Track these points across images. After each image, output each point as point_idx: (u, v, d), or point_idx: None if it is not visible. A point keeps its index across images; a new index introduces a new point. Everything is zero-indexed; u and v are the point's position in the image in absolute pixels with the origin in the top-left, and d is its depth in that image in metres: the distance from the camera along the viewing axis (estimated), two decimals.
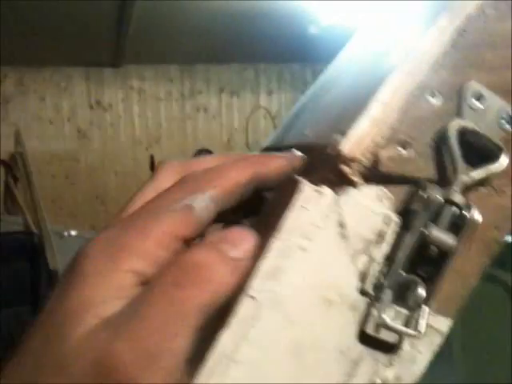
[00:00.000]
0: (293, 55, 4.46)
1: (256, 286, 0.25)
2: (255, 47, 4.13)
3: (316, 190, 0.26)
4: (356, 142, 0.26)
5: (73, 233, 4.21)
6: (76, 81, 4.37)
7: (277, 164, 0.29)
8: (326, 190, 0.26)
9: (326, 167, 0.27)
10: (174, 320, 0.22)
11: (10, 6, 2.75)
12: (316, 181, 0.26)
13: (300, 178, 0.26)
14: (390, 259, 0.26)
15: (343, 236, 0.26)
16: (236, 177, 0.27)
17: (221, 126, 4.74)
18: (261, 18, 3.42)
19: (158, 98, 4.58)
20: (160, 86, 4.57)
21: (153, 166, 4.60)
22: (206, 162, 0.31)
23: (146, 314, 0.23)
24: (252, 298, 0.25)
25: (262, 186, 0.29)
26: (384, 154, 0.26)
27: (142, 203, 0.28)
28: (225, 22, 3.47)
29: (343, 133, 0.26)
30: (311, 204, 0.26)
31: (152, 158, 4.60)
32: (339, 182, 0.26)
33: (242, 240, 0.26)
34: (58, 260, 3.49)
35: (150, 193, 0.29)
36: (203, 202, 0.26)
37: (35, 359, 0.23)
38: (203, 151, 4.68)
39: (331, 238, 0.26)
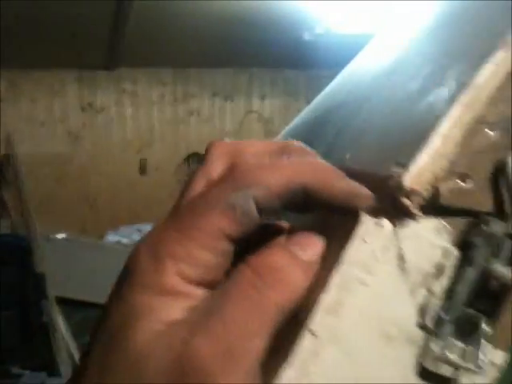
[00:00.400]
0: (286, 61, 4.47)
1: (317, 320, 0.25)
2: (249, 52, 4.14)
3: (376, 223, 0.26)
4: (417, 175, 0.25)
5: (61, 236, 4.18)
6: (68, 83, 4.35)
7: (341, 190, 0.26)
8: (386, 223, 0.26)
9: (383, 198, 0.27)
10: (254, 320, 0.22)
11: (3, 7, 2.72)
12: (374, 212, 0.26)
13: (360, 211, 0.26)
14: (449, 293, 0.26)
15: (402, 269, 0.26)
16: (288, 181, 0.25)
17: (213, 130, 4.74)
18: (256, 23, 3.43)
19: (151, 101, 4.56)
20: (153, 90, 4.56)
21: (143, 170, 4.58)
22: (257, 146, 0.29)
23: (224, 313, 0.22)
24: (312, 333, 0.25)
25: (306, 199, 0.26)
26: (444, 187, 0.26)
27: (192, 193, 0.27)
28: (219, 26, 3.47)
29: (404, 165, 0.26)
30: (372, 237, 0.25)
31: (142, 161, 4.59)
32: (398, 214, 0.26)
33: (311, 243, 0.26)
34: (45, 263, 3.46)
35: (200, 181, 0.28)
36: (249, 203, 0.25)
37: (100, 363, 0.23)
38: (195, 155, 4.67)
39: (391, 272, 0.26)
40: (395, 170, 0.26)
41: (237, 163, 0.27)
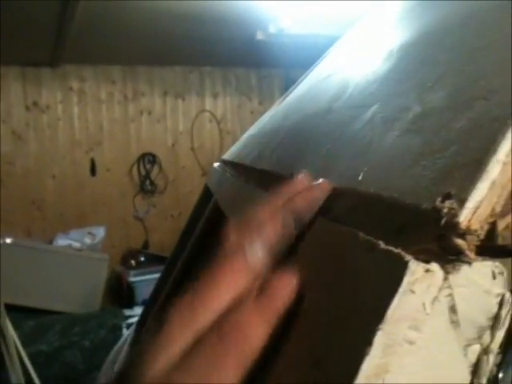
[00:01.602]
0: (239, 59, 4.42)
1: None
2: (201, 50, 4.06)
3: (426, 269, 0.21)
4: (474, 210, 0.21)
5: (7, 240, 4.00)
6: (11, 80, 4.15)
7: (314, 198, 0.33)
8: (437, 269, 0.21)
9: (427, 237, 0.22)
10: (216, 370, 0.26)
11: None
12: (417, 254, 0.22)
13: (403, 253, 0.22)
14: (506, 347, 0.22)
15: (454, 323, 0.22)
16: (283, 228, 0.31)
17: (165, 130, 4.64)
18: (208, 21, 3.36)
19: (99, 99, 4.42)
20: (101, 88, 4.41)
21: (93, 170, 4.44)
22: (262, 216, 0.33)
23: (194, 360, 0.27)
24: None
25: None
26: (501, 225, 0.22)
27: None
28: (170, 23, 3.38)
29: (457, 198, 0.21)
30: (420, 286, 0.21)
31: (93, 161, 4.44)
32: (448, 257, 0.22)
33: (281, 290, 0.28)
34: None
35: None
36: (256, 256, 0.30)
37: None
38: (147, 155, 4.56)
39: (441, 327, 0.21)
40: (445, 203, 0.22)
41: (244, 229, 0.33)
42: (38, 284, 3.79)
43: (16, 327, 2.96)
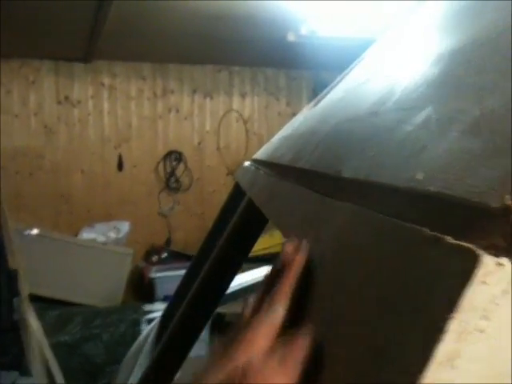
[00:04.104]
0: (268, 60, 4.44)
1: (431, 374, 0.22)
2: (230, 49, 4.09)
3: (498, 263, 0.22)
4: None
5: (34, 231, 4.07)
6: (44, 74, 4.23)
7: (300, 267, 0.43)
8: (507, 262, 0.23)
9: (494, 233, 0.24)
10: None
11: None
12: (490, 249, 0.23)
13: (475, 247, 0.23)
14: None
15: None
16: (290, 288, 0.41)
17: (192, 128, 4.68)
18: (239, 21, 3.38)
19: (129, 95, 4.48)
20: (131, 84, 4.47)
21: (121, 166, 4.50)
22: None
23: None
24: None
25: None
26: None
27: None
28: (201, 22, 3.42)
29: None
30: (492, 278, 0.22)
31: (120, 157, 4.50)
32: None
33: (299, 348, 0.35)
34: (18, 259, 3.38)
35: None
36: (274, 316, 0.39)
37: None
38: (173, 153, 4.61)
39: (509, 317, 0.23)
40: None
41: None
42: (63, 276, 3.86)
43: (39, 317, 3.01)
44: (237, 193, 1.61)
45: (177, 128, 4.62)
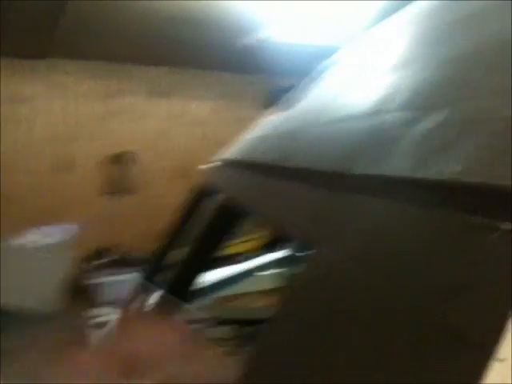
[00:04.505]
0: (223, 63, 4.44)
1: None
2: (187, 52, 4.07)
3: None
4: None
5: None
6: None
7: None
8: None
9: None
10: None
11: None
12: None
13: None
14: None
15: None
16: None
17: (144, 129, 4.61)
18: (195, 24, 3.38)
19: (81, 94, 4.37)
20: (84, 83, 4.37)
21: (69, 166, 4.37)
22: None
23: None
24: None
25: None
26: None
27: None
28: (158, 24, 3.39)
29: None
30: None
31: (68, 157, 4.38)
32: None
33: None
34: None
35: None
36: None
37: None
38: (125, 153, 4.53)
39: None
40: None
41: None
42: (1, 280, 3.70)
43: None
44: (202, 193, 1.60)
45: (128, 129, 4.55)
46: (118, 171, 4.52)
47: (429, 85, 0.54)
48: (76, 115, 4.37)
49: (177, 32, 3.53)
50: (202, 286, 1.42)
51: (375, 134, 0.56)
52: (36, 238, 4.09)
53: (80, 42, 3.78)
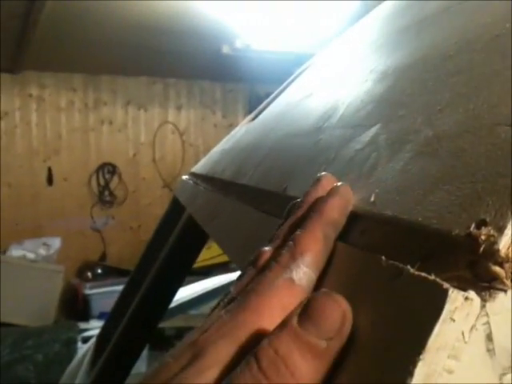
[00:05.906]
0: (203, 72, 4.42)
1: None
2: (165, 61, 4.05)
3: (466, 298, 0.21)
4: None
5: None
6: None
7: (346, 204, 0.31)
8: (475, 297, 0.21)
9: (458, 264, 0.22)
10: None
11: None
12: (456, 282, 0.22)
13: (440, 280, 0.21)
14: None
15: (490, 351, 0.21)
16: (324, 238, 0.29)
17: (126, 140, 4.58)
18: (174, 33, 3.35)
19: (59, 107, 4.33)
20: (61, 95, 4.33)
21: (50, 179, 4.33)
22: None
23: None
24: None
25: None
26: None
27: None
28: (135, 34, 3.36)
29: (494, 225, 0.21)
30: (460, 314, 0.21)
31: (50, 170, 4.33)
32: (482, 284, 0.22)
33: (326, 319, 0.23)
34: None
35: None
36: (301, 272, 0.27)
37: None
38: (107, 165, 4.49)
39: (478, 355, 0.21)
40: (481, 230, 0.22)
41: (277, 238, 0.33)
42: None
43: None
44: (175, 207, 1.57)
45: (110, 140, 4.51)
46: (102, 183, 4.48)
47: (369, 99, 0.51)
48: (55, 128, 4.32)
49: (155, 42, 3.50)
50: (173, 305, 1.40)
51: (315, 153, 0.53)
52: (20, 253, 4.04)
53: (56, 54, 3.74)
